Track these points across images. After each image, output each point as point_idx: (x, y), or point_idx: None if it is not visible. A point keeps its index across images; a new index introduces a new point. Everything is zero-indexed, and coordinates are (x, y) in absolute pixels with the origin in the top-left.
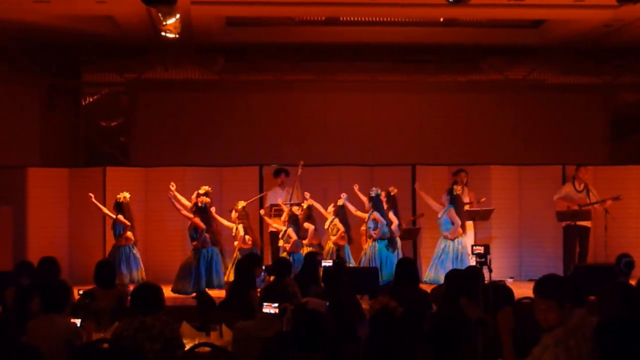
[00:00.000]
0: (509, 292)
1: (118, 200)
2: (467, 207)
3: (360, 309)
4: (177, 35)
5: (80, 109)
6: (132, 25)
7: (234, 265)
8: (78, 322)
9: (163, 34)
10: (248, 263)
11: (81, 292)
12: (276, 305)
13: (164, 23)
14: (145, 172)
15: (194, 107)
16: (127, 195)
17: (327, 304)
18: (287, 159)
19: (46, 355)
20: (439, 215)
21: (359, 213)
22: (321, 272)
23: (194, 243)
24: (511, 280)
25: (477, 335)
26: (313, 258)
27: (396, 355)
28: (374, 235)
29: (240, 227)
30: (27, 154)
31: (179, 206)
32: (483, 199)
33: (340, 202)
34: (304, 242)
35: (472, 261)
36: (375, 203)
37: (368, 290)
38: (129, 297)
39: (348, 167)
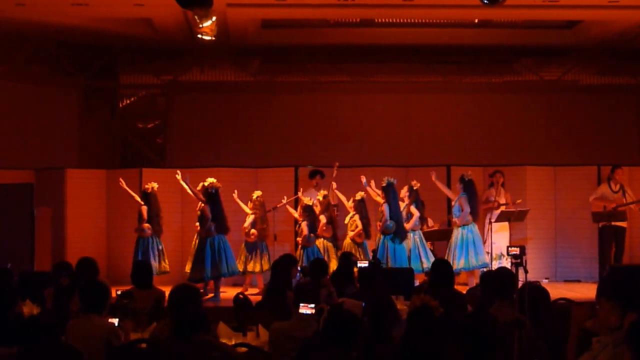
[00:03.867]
0: (545, 292)
1: (146, 191)
2: (502, 208)
3: (396, 309)
4: (213, 38)
5: (117, 110)
6: (169, 28)
7: (271, 265)
8: (116, 322)
9: (199, 36)
10: (284, 264)
11: (119, 292)
12: (312, 305)
13: (200, 25)
14: (182, 173)
15: (229, 109)
16: (155, 185)
17: (363, 304)
18: (322, 160)
19: (85, 355)
20: (453, 203)
21: (378, 198)
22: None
23: (199, 231)
24: (546, 281)
25: (513, 336)
26: (349, 258)
27: (432, 355)
28: (377, 229)
29: (250, 218)
30: (65, 155)
31: (190, 187)
32: (519, 200)
33: (358, 197)
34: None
35: (485, 247)
36: (386, 193)
37: (403, 291)
38: (166, 298)
39: (383, 168)
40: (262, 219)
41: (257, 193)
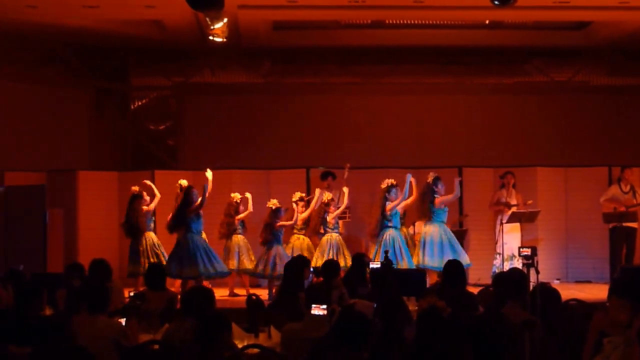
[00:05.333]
0: (556, 293)
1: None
2: (513, 209)
3: (407, 310)
4: (224, 39)
5: (129, 112)
6: (180, 30)
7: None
8: (123, 321)
9: (210, 38)
10: (296, 265)
11: (131, 293)
12: (324, 306)
13: (212, 27)
14: (193, 175)
15: (241, 110)
16: (137, 188)
17: (375, 305)
18: (334, 162)
19: (95, 355)
20: None
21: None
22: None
23: None
24: (557, 281)
25: (524, 336)
26: (361, 259)
27: (442, 356)
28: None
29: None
30: (76, 157)
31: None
32: (530, 201)
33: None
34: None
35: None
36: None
37: (415, 292)
38: (179, 299)
39: (394, 169)
40: (230, 222)
41: (233, 195)
